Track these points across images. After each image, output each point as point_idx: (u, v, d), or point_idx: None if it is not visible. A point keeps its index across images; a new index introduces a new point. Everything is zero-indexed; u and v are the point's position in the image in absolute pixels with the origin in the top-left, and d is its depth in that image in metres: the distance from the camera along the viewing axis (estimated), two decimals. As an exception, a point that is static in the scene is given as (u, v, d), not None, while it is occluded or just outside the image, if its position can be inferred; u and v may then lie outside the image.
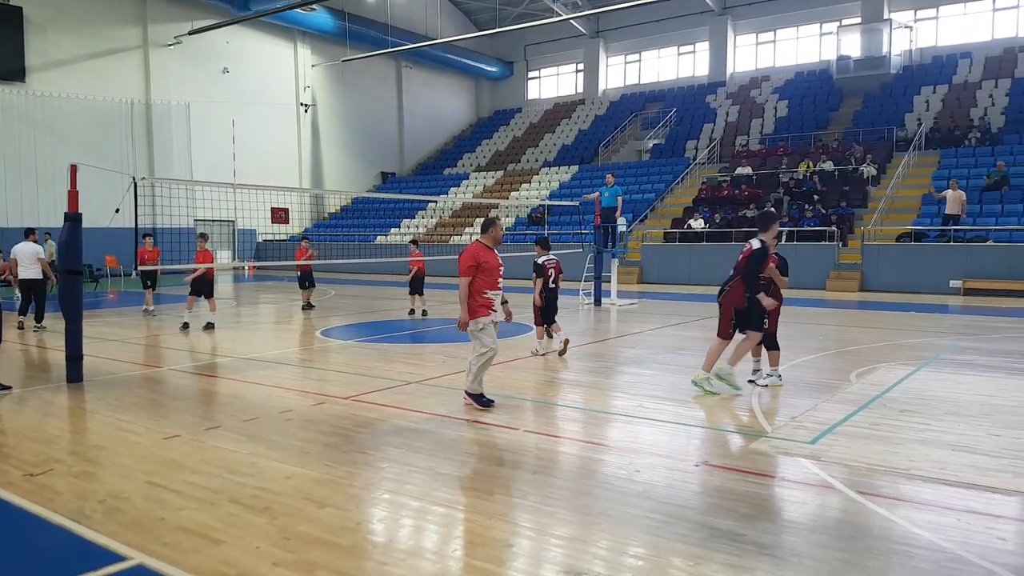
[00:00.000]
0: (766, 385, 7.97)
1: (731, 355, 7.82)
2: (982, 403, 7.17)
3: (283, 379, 8.70)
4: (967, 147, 24.84)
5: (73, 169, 8.10)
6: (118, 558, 3.79)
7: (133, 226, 9.37)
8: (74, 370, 8.27)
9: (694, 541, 4.00)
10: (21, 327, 12.94)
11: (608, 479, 5.10)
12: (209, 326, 13.02)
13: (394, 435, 6.12)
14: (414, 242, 16.59)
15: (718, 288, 7.96)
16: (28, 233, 13.33)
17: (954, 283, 19.12)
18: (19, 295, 13.56)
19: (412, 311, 15.42)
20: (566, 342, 10.09)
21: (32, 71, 26.46)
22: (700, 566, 3.69)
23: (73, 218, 8.10)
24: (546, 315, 10.14)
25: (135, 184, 8.87)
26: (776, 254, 8.01)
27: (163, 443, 5.87)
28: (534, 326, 10.43)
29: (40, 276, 12.76)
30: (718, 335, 7.79)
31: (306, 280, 16.47)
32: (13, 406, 7.27)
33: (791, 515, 4.44)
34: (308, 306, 16.36)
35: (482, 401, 7.02)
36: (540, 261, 10.30)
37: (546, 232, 19.11)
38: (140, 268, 13.72)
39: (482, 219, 7.28)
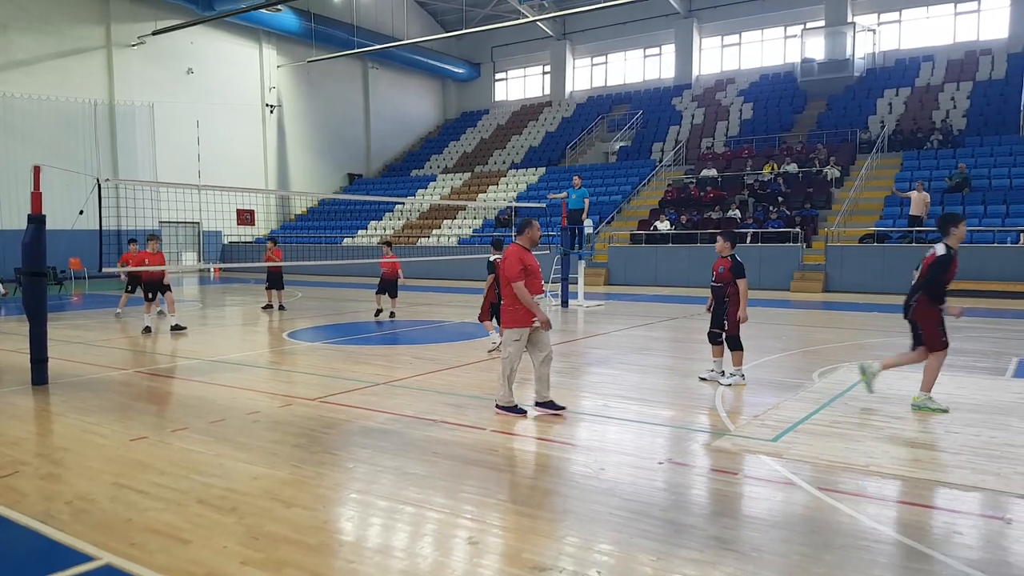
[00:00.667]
0: (729, 385, 8.11)
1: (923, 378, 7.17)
2: (941, 401, 7.37)
3: (250, 381, 8.66)
4: (929, 149, 25.49)
5: (36, 170, 7.98)
6: (86, 558, 3.78)
7: (97, 228, 9.23)
8: (39, 372, 8.14)
9: (658, 537, 4.09)
10: None
11: (574, 477, 5.18)
12: (177, 328, 12.87)
13: (361, 436, 6.14)
14: (387, 244, 16.34)
15: (902, 302, 7.41)
16: None
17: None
18: None
19: (379, 311, 15.29)
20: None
21: (-7, 71, 25.90)
22: (664, 561, 3.78)
23: (37, 219, 7.98)
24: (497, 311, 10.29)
25: (99, 185, 8.76)
26: (733, 256, 8.17)
27: (130, 445, 5.83)
28: (482, 321, 10.81)
29: None
30: (932, 350, 7.04)
31: (270, 281, 16.34)
32: (-26, 410, 7.14)
33: (753, 511, 4.55)
34: (270, 307, 16.34)
35: (517, 411, 6.86)
36: (492, 259, 10.50)
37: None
38: (122, 271, 13.38)
39: (519, 223, 6.92)
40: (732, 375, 8.23)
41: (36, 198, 8.05)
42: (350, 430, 6.34)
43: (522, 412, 6.86)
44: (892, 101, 29.44)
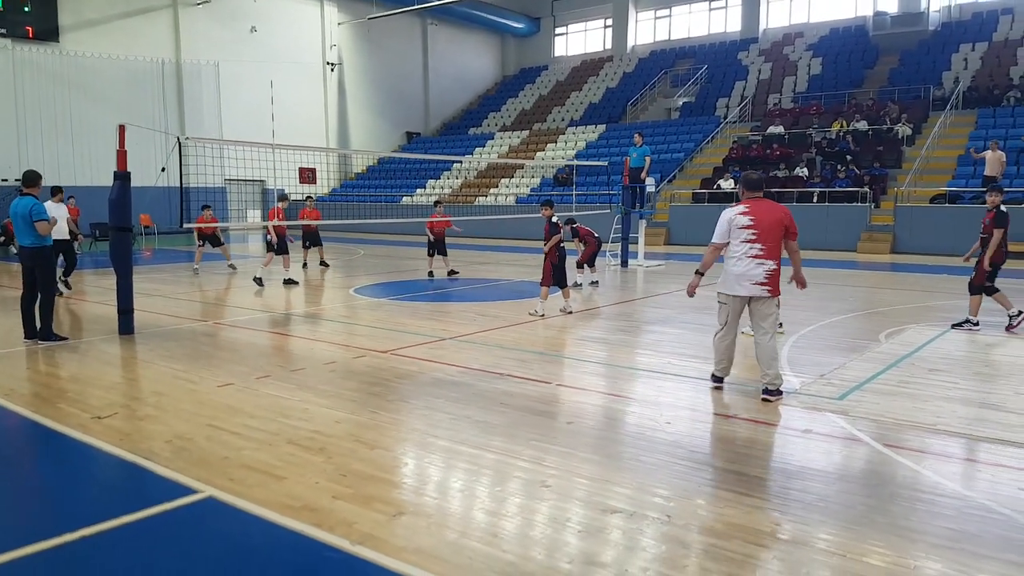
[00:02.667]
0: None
1: None
2: (1010, 363, 7.27)
3: (323, 334, 9.03)
4: (1006, 107, 24.31)
5: (121, 129, 8.36)
6: (190, 491, 4.11)
7: (169, 184, 9.58)
8: (125, 323, 8.65)
9: (724, 486, 4.23)
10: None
11: (638, 429, 5.34)
12: (290, 282, 13.67)
13: (433, 386, 6.40)
14: (438, 202, 16.48)
15: None
16: (55, 192, 12.33)
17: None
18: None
19: (431, 272, 15.13)
20: (569, 312, 10.16)
21: (65, 31, 26.79)
22: (731, 507, 3.91)
23: (122, 176, 8.39)
24: (559, 276, 10.16)
25: (179, 144, 9.12)
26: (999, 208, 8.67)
27: (218, 390, 6.21)
28: (541, 286, 10.20)
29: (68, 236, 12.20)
30: None
31: (307, 240, 16.61)
32: (71, 355, 7.67)
33: (819, 465, 4.63)
34: (306, 266, 16.66)
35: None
36: (555, 220, 10.27)
37: (574, 193, 19.13)
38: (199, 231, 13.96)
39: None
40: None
41: (121, 156, 8.44)
42: (422, 380, 6.61)
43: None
44: (968, 56, 28.05)
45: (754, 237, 5.95)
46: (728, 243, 6.09)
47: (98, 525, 3.70)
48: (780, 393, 6.03)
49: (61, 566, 3.38)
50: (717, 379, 6.40)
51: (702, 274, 6.24)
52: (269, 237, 14.06)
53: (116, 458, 4.67)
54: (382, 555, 3.38)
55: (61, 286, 11.93)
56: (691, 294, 6.39)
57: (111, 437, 5.01)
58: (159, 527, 3.74)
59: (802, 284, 6.32)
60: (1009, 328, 8.91)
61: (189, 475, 4.31)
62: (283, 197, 14.29)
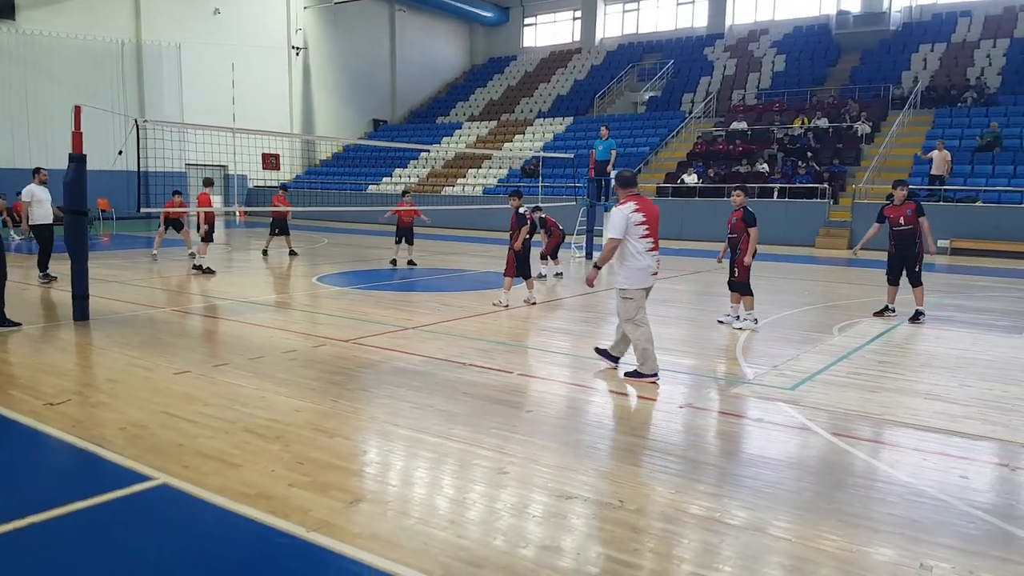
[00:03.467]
0: (740, 328, 8.58)
1: None
2: (958, 356, 7.50)
3: (283, 322, 8.96)
4: (962, 107, 24.94)
5: (77, 110, 8.17)
6: (144, 478, 4.08)
7: (127, 168, 9.43)
8: (81, 309, 8.48)
9: (677, 472, 4.33)
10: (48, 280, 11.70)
11: (596, 418, 5.43)
12: (207, 270, 13.27)
13: (394, 375, 6.40)
14: (406, 192, 16.55)
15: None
16: (37, 172, 11.88)
17: (942, 243, 19.42)
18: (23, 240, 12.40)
19: (394, 260, 15.27)
20: (532, 303, 10.21)
21: (21, 8, 25.98)
22: (682, 493, 4.01)
23: (78, 159, 8.20)
24: (523, 267, 10.27)
25: (137, 127, 8.94)
26: (745, 208, 8.75)
27: (174, 378, 6.14)
28: (505, 277, 10.28)
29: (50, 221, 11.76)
30: None
31: (275, 227, 16.51)
32: (25, 342, 7.51)
33: (769, 452, 4.75)
34: (287, 252, 16.64)
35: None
36: (522, 211, 10.35)
37: (540, 184, 19.21)
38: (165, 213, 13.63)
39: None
40: (744, 319, 8.73)
41: (77, 137, 8.26)
42: (383, 370, 6.61)
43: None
44: (927, 56, 28.70)
45: (648, 232, 6.37)
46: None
47: (49, 512, 3.66)
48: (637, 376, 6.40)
49: (10, 553, 3.33)
50: (653, 375, 6.38)
51: (599, 268, 6.61)
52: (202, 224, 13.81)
53: (68, 445, 4.61)
54: (337, 541, 3.39)
55: (42, 279, 11.53)
56: (591, 284, 6.73)
57: (63, 424, 4.93)
58: (112, 514, 3.71)
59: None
60: (725, 322, 9.02)
61: (142, 462, 4.27)
62: (209, 182, 13.91)
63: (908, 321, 9.26)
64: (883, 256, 9.91)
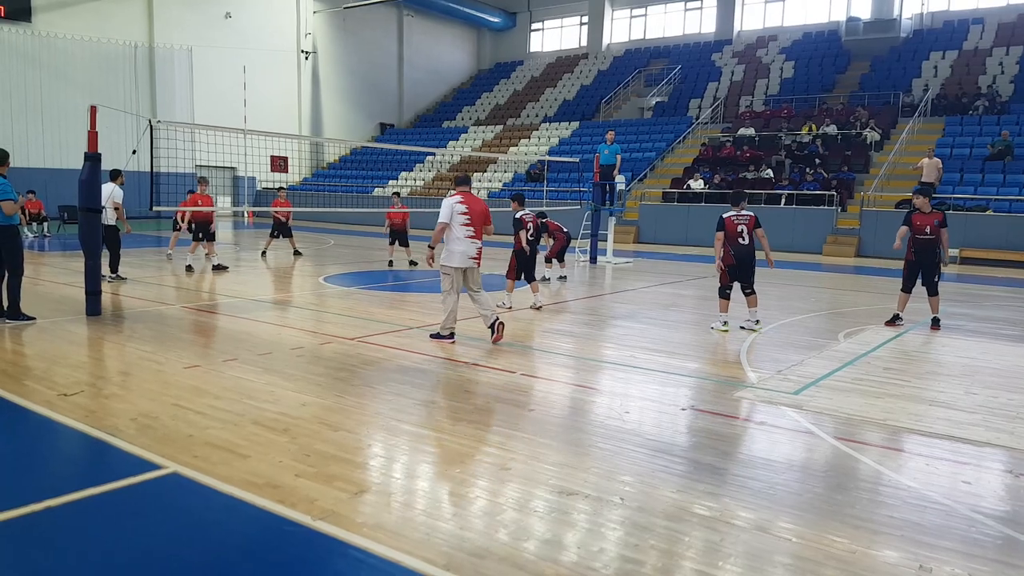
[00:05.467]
0: (742, 327, 8.90)
1: None
2: (964, 364, 7.50)
3: (290, 320, 9.06)
4: (973, 115, 24.87)
5: (93, 110, 8.29)
6: (154, 467, 4.16)
7: (139, 169, 9.54)
8: (93, 304, 8.60)
9: (679, 472, 4.37)
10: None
11: (599, 418, 5.47)
12: (219, 267, 13.45)
13: (398, 373, 6.48)
14: (396, 194, 17.26)
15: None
16: (115, 175, 11.70)
17: (951, 252, 19.41)
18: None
19: (391, 262, 15.61)
20: (538, 308, 10.24)
21: (37, 11, 26.29)
22: (683, 493, 4.06)
23: (93, 158, 8.32)
24: (527, 270, 10.35)
25: (151, 127, 9.06)
26: (748, 213, 8.93)
27: (184, 372, 6.24)
28: (507, 279, 10.46)
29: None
30: None
31: (276, 230, 16.69)
32: (39, 335, 7.62)
33: (771, 455, 4.79)
34: (291, 253, 16.82)
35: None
36: (519, 215, 10.48)
37: (545, 188, 19.26)
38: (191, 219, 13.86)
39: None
40: (748, 319, 9.12)
41: (92, 137, 8.38)
42: (387, 367, 6.68)
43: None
44: (938, 64, 28.67)
45: (468, 222, 7.67)
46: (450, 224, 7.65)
47: (64, 497, 3.75)
48: (502, 326, 7.78)
49: (27, 534, 3.41)
50: (449, 336, 7.83)
51: (433, 248, 7.85)
52: (189, 223, 13.90)
53: (82, 434, 4.71)
54: (342, 530, 3.46)
55: (114, 277, 11.50)
56: (430, 264, 8.08)
57: (77, 414, 5.03)
58: (124, 500, 3.79)
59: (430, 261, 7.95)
60: (746, 327, 9.18)
61: (154, 451, 4.36)
62: (203, 180, 13.99)
63: (930, 328, 9.33)
64: (889, 264, 9.92)
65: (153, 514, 3.64)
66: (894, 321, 9.60)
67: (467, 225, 7.66)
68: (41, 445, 4.65)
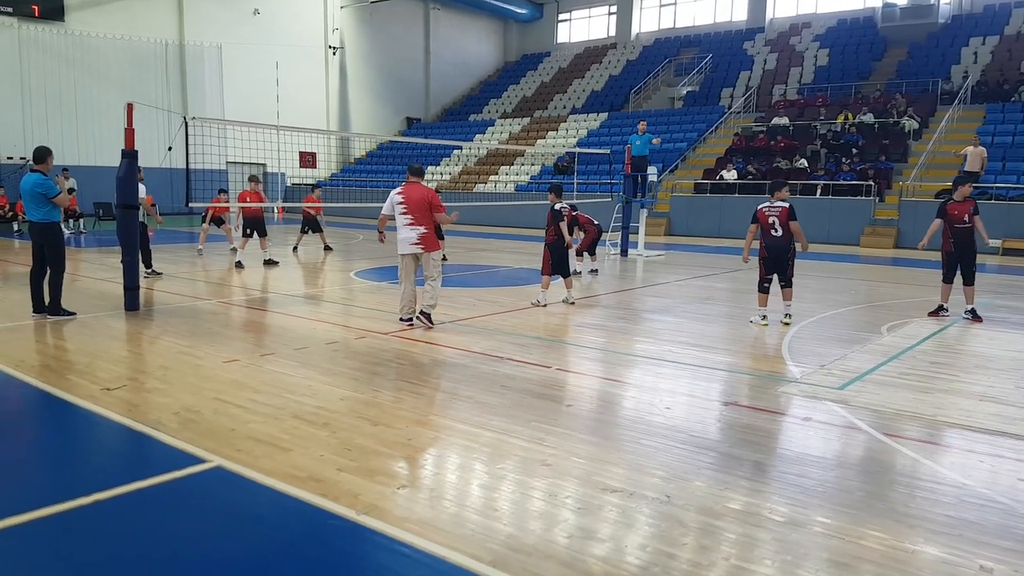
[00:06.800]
0: (751, 322, 8.91)
1: None
2: (1012, 358, 7.29)
3: (325, 315, 9.09)
4: (1016, 102, 24.19)
5: (130, 107, 8.37)
6: (199, 460, 4.19)
7: (172, 166, 9.62)
8: (131, 299, 8.71)
9: (724, 469, 4.28)
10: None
11: (639, 414, 5.39)
12: (270, 262, 13.64)
13: (434, 367, 6.46)
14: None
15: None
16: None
17: (993, 242, 18.88)
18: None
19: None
20: (571, 303, 10.00)
21: (70, 10, 26.69)
22: (730, 490, 3.96)
23: (130, 155, 8.41)
24: (561, 266, 9.93)
25: (186, 124, 9.13)
26: (784, 202, 8.78)
27: (224, 366, 6.28)
28: (543, 275, 9.98)
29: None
30: None
31: (307, 226, 16.85)
32: (80, 330, 7.73)
33: (819, 452, 4.67)
34: (322, 248, 16.95)
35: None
36: (558, 207, 9.96)
37: (575, 181, 19.12)
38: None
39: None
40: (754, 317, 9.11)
41: (129, 134, 8.46)
42: (422, 362, 6.67)
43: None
44: (978, 50, 27.91)
45: (405, 211, 8.04)
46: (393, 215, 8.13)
47: (111, 490, 3.78)
48: (430, 318, 8.14)
49: (77, 528, 3.45)
50: (406, 320, 8.23)
51: (382, 232, 8.64)
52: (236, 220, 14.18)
53: (126, 428, 4.75)
54: (386, 524, 3.44)
55: (149, 273, 11.80)
56: (382, 242, 8.82)
57: (120, 408, 5.09)
58: (169, 494, 3.81)
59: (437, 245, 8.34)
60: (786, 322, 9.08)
61: (197, 445, 4.38)
62: (254, 178, 14.20)
63: (971, 320, 9.15)
64: (929, 256, 9.69)
65: (199, 508, 3.66)
66: (938, 312, 9.39)
67: (405, 214, 8.03)
68: (87, 439, 4.71)
